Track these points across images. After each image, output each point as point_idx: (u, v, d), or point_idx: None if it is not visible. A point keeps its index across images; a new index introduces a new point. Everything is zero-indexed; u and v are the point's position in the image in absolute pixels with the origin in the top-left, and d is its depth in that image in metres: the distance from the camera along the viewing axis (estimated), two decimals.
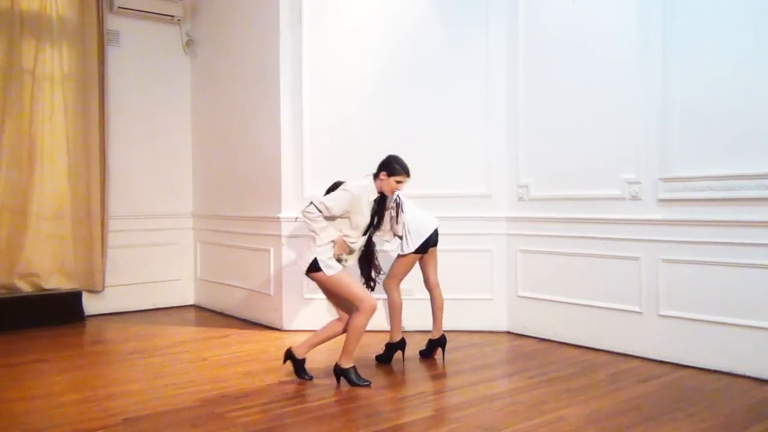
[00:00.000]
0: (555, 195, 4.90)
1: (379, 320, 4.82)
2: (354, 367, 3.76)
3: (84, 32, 5.94)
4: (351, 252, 3.81)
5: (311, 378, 3.85)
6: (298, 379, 3.85)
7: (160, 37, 6.53)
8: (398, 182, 3.82)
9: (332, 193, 3.74)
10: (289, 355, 3.90)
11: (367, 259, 3.98)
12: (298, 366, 3.88)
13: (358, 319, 3.68)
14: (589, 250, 4.65)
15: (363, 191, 3.73)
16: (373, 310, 3.70)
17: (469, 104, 5.28)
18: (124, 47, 6.29)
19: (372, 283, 3.99)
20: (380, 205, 3.89)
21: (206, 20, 6.53)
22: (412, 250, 4.21)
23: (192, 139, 6.75)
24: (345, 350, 3.74)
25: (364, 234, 3.83)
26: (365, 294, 3.72)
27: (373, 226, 3.88)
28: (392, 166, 3.81)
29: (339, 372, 3.77)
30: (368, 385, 3.71)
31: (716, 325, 3.99)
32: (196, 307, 6.61)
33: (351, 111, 5.33)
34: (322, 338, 3.86)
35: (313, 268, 3.64)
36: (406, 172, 3.84)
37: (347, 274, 3.73)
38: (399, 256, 4.31)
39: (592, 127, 4.64)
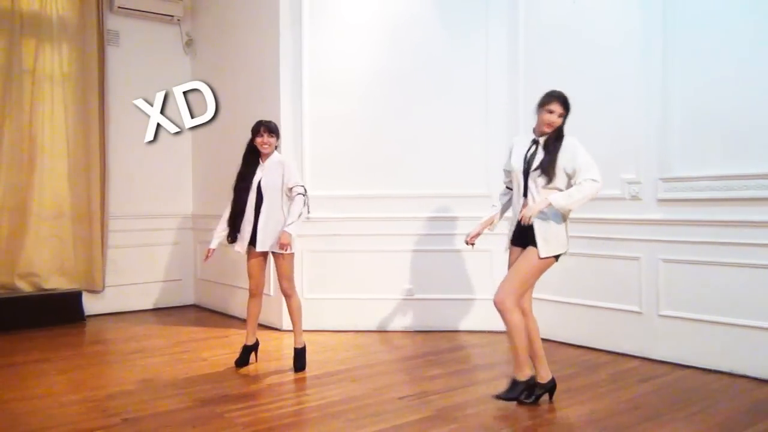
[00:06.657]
0: None
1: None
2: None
3: (84, 32, 5.93)
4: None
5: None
6: (298, 380, 3.83)
7: (160, 37, 6.53)
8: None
9: None
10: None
11: None
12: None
13: None
14: (589, 250, 4.64)
15: None
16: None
17: (469, 104, 5.27)
18: (124, 47, 6.28)
19: None
20: None
21: (206, 20, 6.53)
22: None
23: (192, 138, 6.74)
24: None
25: None
26: None
27: None
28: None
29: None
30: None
31: (716, 325, 3.99)
32: (196, 307, 6.61)
33: (351, 111, 5.33)
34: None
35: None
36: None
37: None
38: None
39: (591, 127, 4.62)
